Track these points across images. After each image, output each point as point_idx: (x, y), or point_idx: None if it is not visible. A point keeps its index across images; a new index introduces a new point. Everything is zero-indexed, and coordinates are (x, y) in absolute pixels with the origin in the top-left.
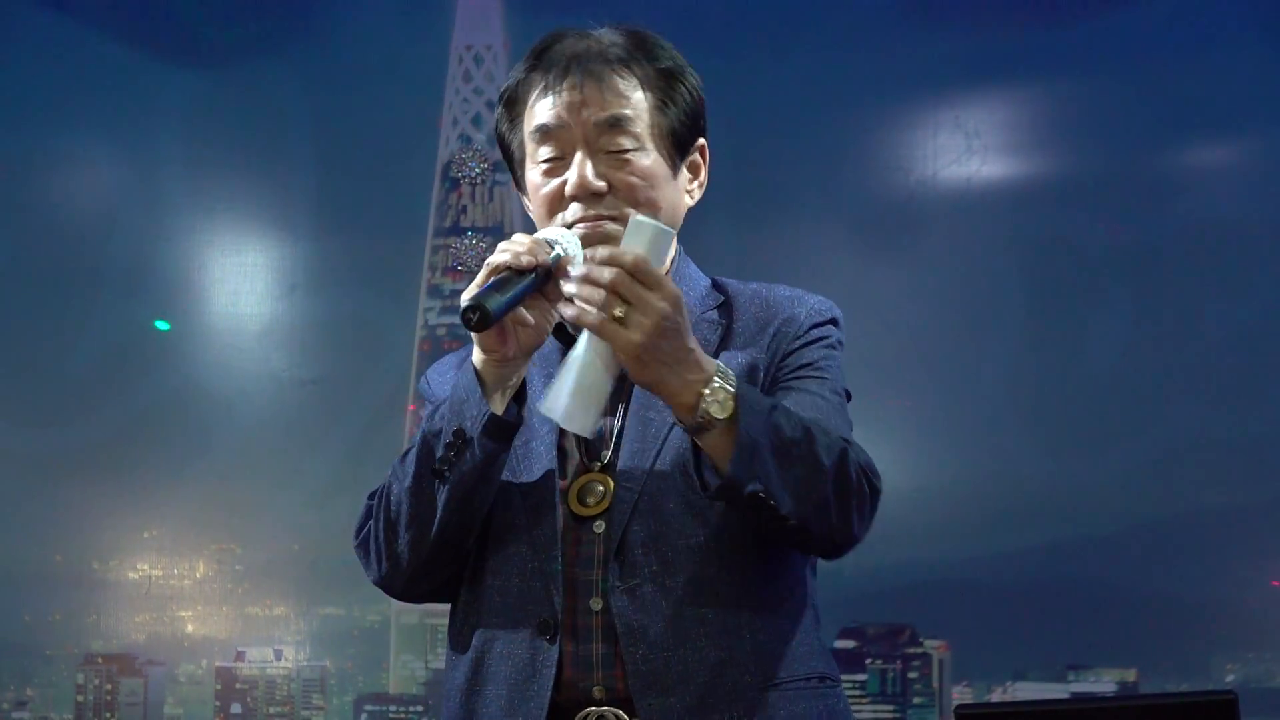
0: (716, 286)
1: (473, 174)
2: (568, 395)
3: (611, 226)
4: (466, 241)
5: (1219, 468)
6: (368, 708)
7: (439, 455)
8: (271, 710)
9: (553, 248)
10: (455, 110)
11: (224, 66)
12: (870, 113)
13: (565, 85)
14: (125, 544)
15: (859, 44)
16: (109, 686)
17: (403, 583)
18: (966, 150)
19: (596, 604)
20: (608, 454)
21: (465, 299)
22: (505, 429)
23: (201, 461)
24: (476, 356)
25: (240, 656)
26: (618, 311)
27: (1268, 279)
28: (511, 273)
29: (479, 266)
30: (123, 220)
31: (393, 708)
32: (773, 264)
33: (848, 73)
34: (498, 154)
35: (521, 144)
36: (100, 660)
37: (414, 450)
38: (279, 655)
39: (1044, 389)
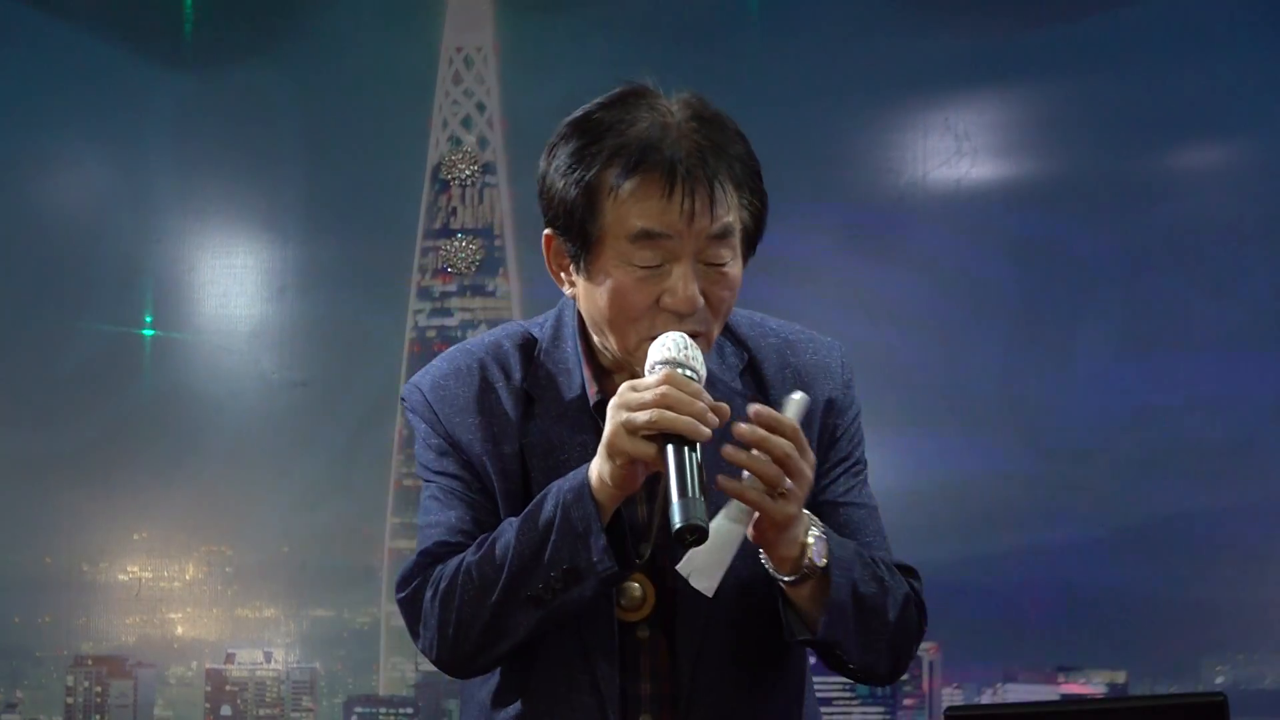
0: (731, 333)
1: (462, 176)
2: (703, 554)
3: (699, 346)
4: (456, 243)
5: (1208, 469)
6: (358, 710)
7: (541, 582)
8: (261, 712)
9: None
10: (445, 112)
11: (213, 68)
12: (860, 114)
13: (679, 193)
14: (115, 546)
15: (849, 45)
16: (99, 688)
17: (464, 672)
18: (956, 152)
19: None
20: (646, 549)
21: (677, 516)
22: (624, 579)
23: (191, 463)
24: (596, 482)
25: (230, 658)
26: (785, 485)
27: (1256, 281)
28: (682, 443)
29: (469, 268)
30: (112, 222)
31: (383, 710)
32: (763, 265)
33: (837, 74)
34: (488, 156)
35: (599, 234)
36: (90, 662)
37: (503, 561)
38: (269, 657)
39: (1033, 390)
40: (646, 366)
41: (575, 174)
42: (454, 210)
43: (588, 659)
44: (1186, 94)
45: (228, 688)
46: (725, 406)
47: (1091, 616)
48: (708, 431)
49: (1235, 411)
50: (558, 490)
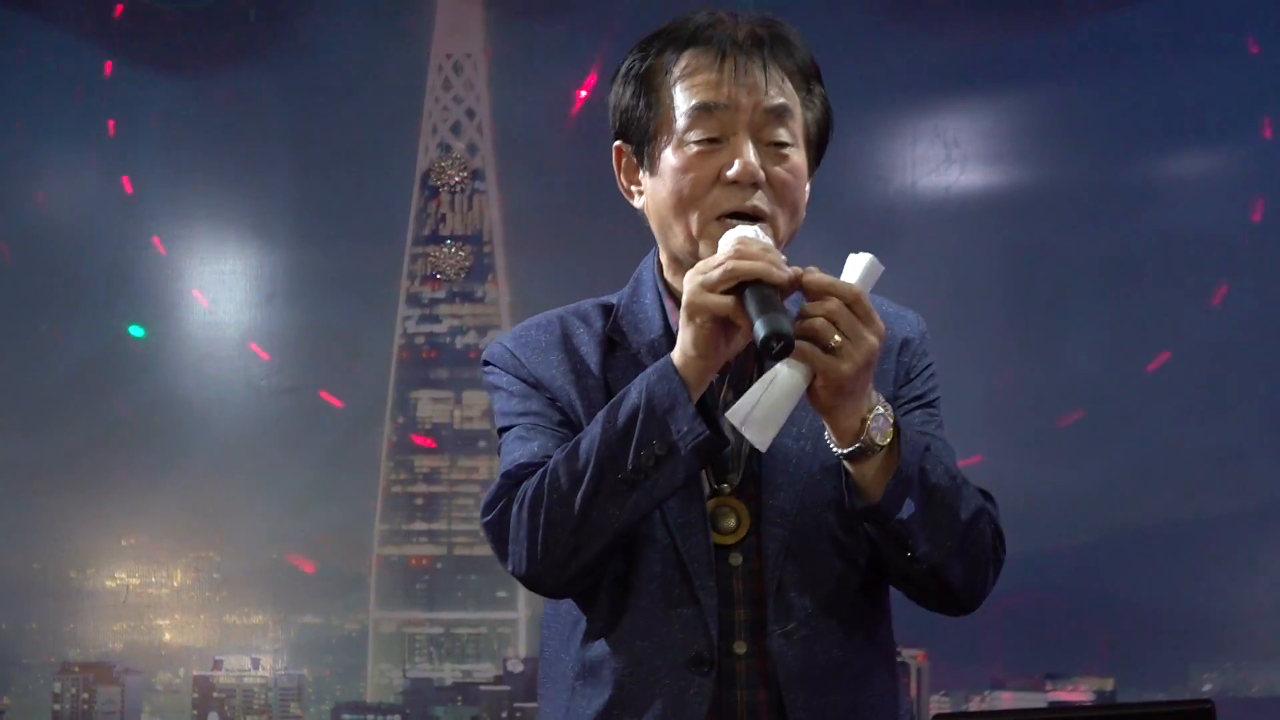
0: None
1: (452, 182)
2: (759, 407)
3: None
4: (445, 250)
5: (1196, 477)
6: (345, 716)
7: (631, 464)
8: (249, 719)
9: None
10: (435, 118)
11: (202, 74)
12: (849, 121)
13: (731, 64)
14: (103, 552)
15: (837, 53)
16: (86, 695)
17: (555, 583)
18: (945, 160)
19: (741, 647)
20: (735, 478)
21: (761, 328)
22: (715, 448)
23: (179, 469)
24: (680, 358)
25: (218, 665)
26: (835, 339)
27: (1245, 289)
28: (763, 285)
29: (457, 274)
30: (101, 227)
31: (370, 716)
32: None
33: (826, 81)
34: (477, 162)
35: (658, 121)
36: (77, 669)
37: (590, 452)
38: (256, 664)
39: (1022, 397)
40: (719, 250)
41: (632, 72)
42: (443, 217)
43: (686, 578)
44: (1173, 100)
45: (215, 694)
46: (814, 269)
47: (1080, 624)
48: (784, 273)
49: (1224, 420)
50: (641, 376)
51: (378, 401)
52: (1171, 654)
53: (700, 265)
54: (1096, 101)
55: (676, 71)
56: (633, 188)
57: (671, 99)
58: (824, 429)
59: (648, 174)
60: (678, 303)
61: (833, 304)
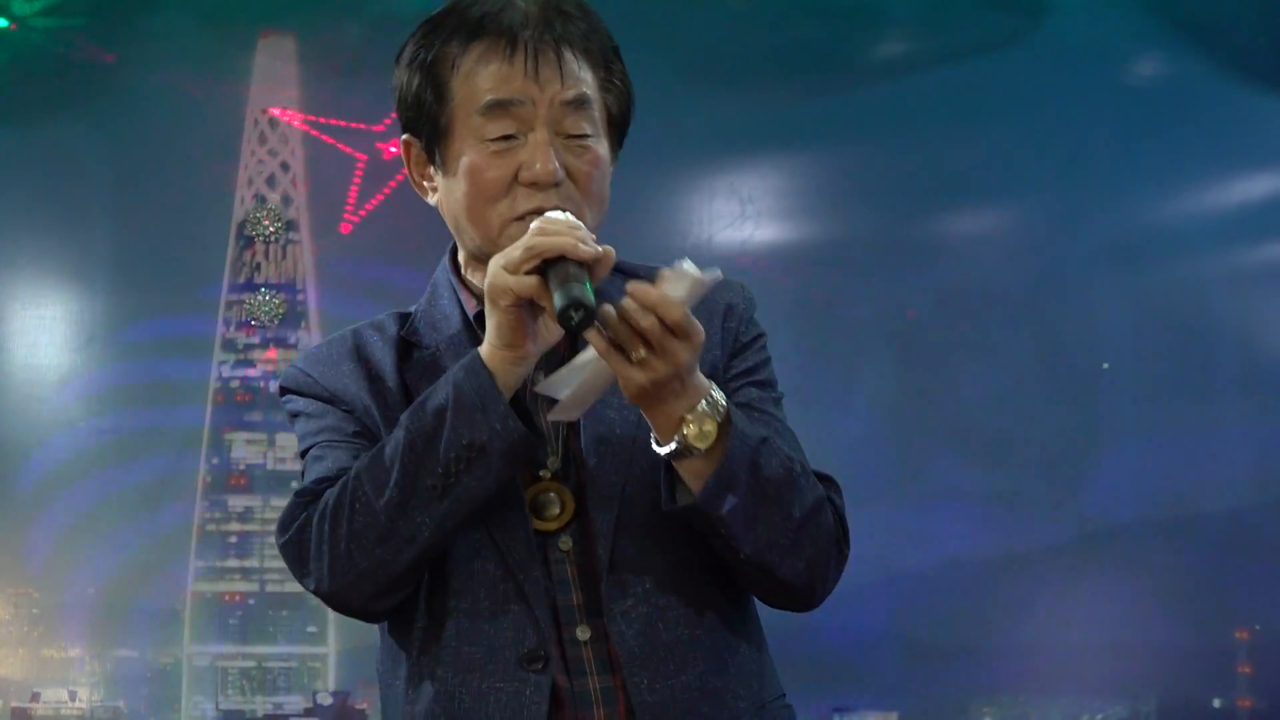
0: (620, 270)
1: (266, 232)
2: (571, 392)
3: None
4: (260, 297)
5: (975, 520)
6: None
7: (440, 468)
8: None
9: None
10: (250, 170)
11: (24, 124)
12: (647, 177)
13: (521, 55)
14: None
15: (638, 109)
16: None
17: (363, 599)
18: (740, 215)
19: (584, 632)
20: (554, 461)
21: (559, 299)
22: (531, 447)
23: None
24: (487, 350)
25: (35, 698)
26: (640, 353)
27: (1019, 343)
28: (568, 262)
29: (271, 321)
30: None
31: None
32: None
33: (628, 140)
34: (291, 213)
35: (448, 118)
36: None
37: (394, 458)
38: (74, 696)
39: (810, 444)
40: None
41: (418, 60)
42: (258, 265)
43: (510, 572)
44: (957, 163)
45: None
46: (611, 248)
47: (865, 659)
48: (591, 250)
49: (1000, 466)
50: (447, 375)
51: (193, 443)
52: (954, 688)
53: (503, 251)
54: (884, 162)
55: (465, 65)
56: (425, 183)
57: (462, 94)
58: None
59: (440, 172)
60: (477, 299)
61: (648, 320)
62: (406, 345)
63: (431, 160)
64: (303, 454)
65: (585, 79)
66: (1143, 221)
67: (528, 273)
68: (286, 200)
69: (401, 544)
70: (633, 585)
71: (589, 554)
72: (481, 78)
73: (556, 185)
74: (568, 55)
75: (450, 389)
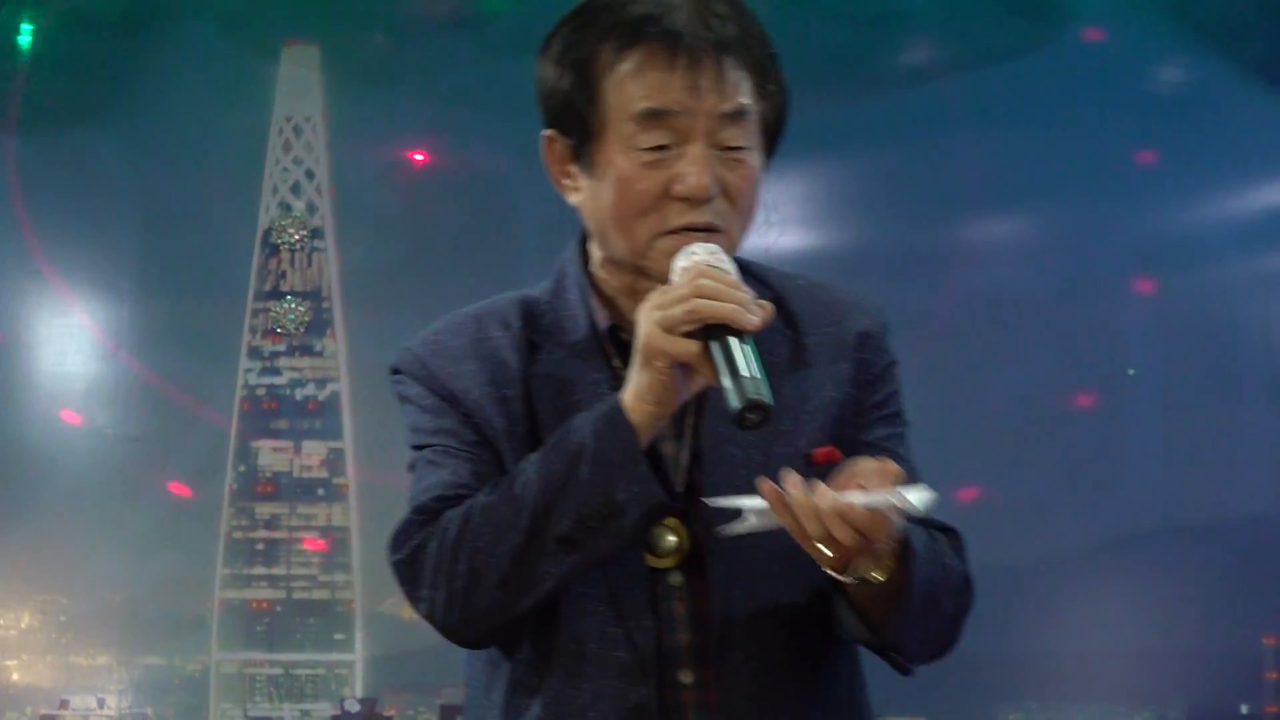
0: (749, 272)
1: (292, 240)
2: (750, 525)
3: (717, 242)
4: (285, 305)
5: (1001, 528)
6: None
7: (572, 523)
8: None
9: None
10: (275, 179)
11: (51, 133)
12: None
13: (682, 64)
14: None
15: None
16: None
17: (474, 636)
18: (765, 222)
19: (687, 677)
20: (676, 491)
21: (734, 397)
22: (665, 510)
23: (28, 515)
24: (632, 402)
25: (64, 704)
26: (828, 556)
27: (1044, 349)
28: (731, 331)
29: (298, 329)
30: None
31: None
32: None
33: None
34: (316, 221)
35: (599, 120)
36: None
37: (523, 502)
38: (101, 703)
39: None
40: (673, 277)
41: (569, 57)
42: (283, 273)
43: (619, 611)
44: (979, 169)
45: None
46: (769, 304)
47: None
48: (755, 319)
49: (1029, 470)
50: (586, 418)
51: (219, 450)
52: (981, 694)
53: (658, 298)
54: (909, 169)
55: (622, 69)
56: (565, 181)
57: (615, 98)
58: (776, 435)
59: (586, 175)
60: (604, 300)
61: (845, 533)
62: (531, 345)
63: (577, 160)
64: (414, 448)
65: (744, 89)
66: (1167, 228)
67: (686, 334)
68: (311, 208)
69: (523, 590)
70: (741, 637)
71: (700, 595)
72: (638, 85)
73: (709, 201)
74: (728, 64)
75: (591, 439)
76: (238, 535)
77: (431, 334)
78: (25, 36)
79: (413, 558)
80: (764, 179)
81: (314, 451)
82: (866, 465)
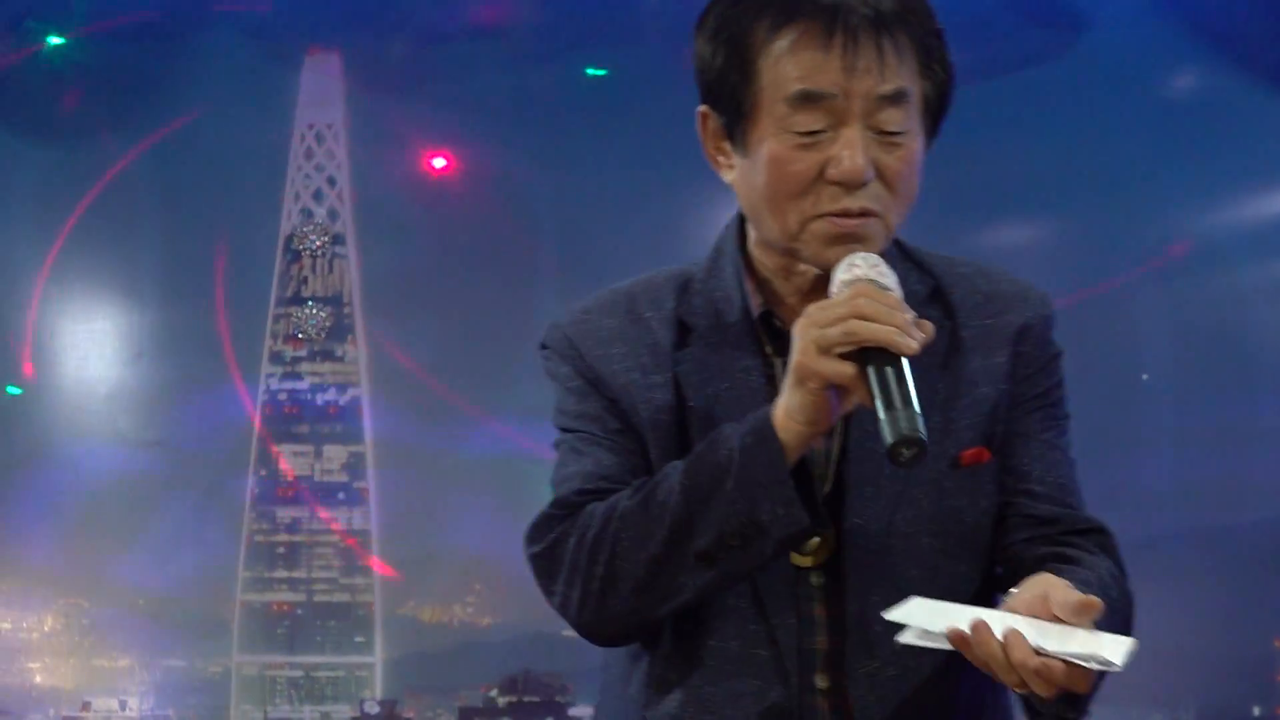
0: (911, 258)
1: (313, 247)
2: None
3: (872, 227)
4: (307, 310)
5: None
6: None
7: (713, 539)
8: None
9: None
10: (298, 185)
11: (75, 142)
12: (691, 192)
13: (839, 45)
14: None
15: (681, 128)
16: None
17: (607, 636)
18: None
19: (822, 681)
20: (825, 486)
21: (889, 432)
22: (809, 534)
23: (51, 519)
24: (782, 420)
25: (86, 706)
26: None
27: (1067, 355)
28: (889, 355)
29: (319, 334)
30: None
31: None
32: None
33: (671, 155)
34: (338, 228)
35: (753, 99)
36: None
37: (665, 511)
38: (124, 705)
39: None
40: (832, 289)
41: (724, 33)
42: (305, 279)
43: (762, 613)
44: (995, 174)
45: None
46: (929, 324)
47: None
48: (914, 343)
49: None
50: (734, 430)
51: (241, 454)
52: None
53: (816, 314)
54: (925, 174)
55: (777, 47)
56: (720, 158)
57: (770, 77)
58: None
59: (740, 153)
60: (758, 282)
61: (1047, 691)
62: (683, 327)
63: (730, 137)
64: (560, 429)
65: (904, 69)
66: (1181, 233)
67: (842, 355)
68: (333, 214)
69: (660, 598)
70: (881, 643)
71: (840, 596)
72: (793, 64)
73: (864, 185)
74: (887, 44)
75: (737, 453)
76: (259, 539)
77: (582, 311)
78: (54, 46)
79: (550, 551)
80: (921, 162)
81: (335, 455)
82: (1064, 596)
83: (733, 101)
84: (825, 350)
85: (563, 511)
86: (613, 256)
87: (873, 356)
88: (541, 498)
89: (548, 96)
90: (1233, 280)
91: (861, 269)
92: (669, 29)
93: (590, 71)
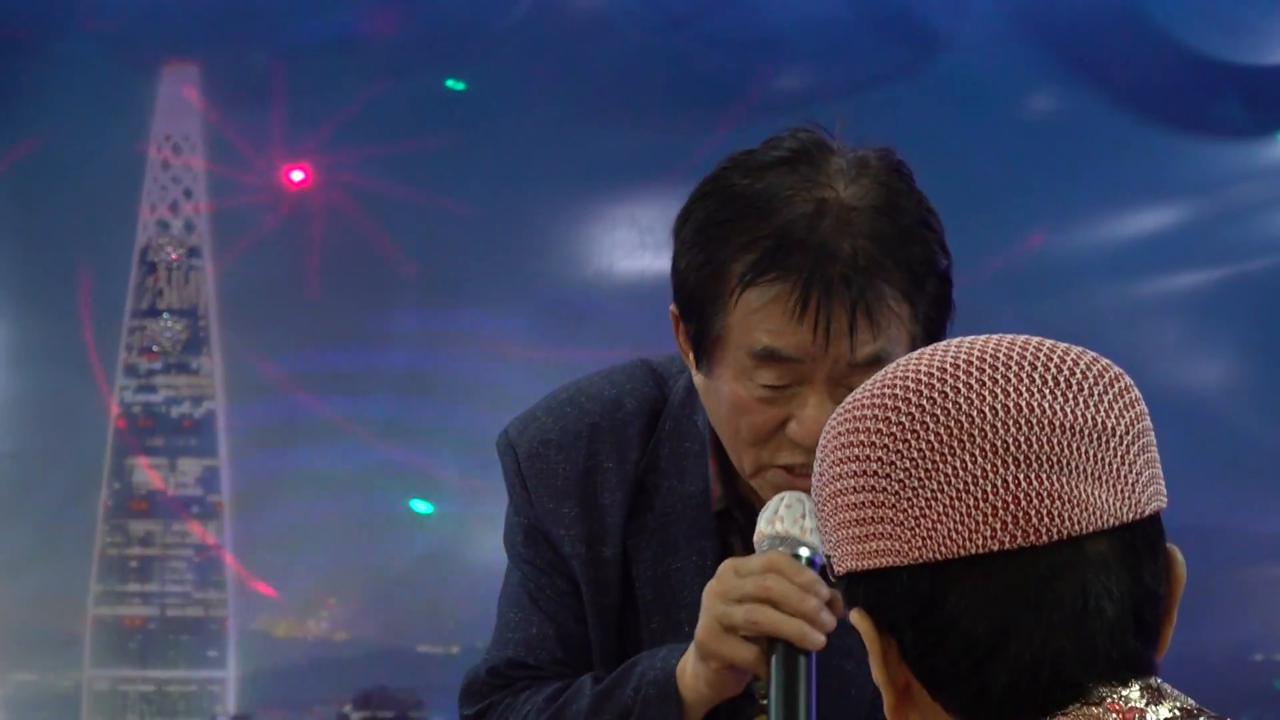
0: None
1: (169, 259)
2: None
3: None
4: (162, 323)
5: None
6: None
7: None
8: None
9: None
10: (154, 197)
11: None
12: (550, 208)
13: (810, 313)
14: None
15: (539, 144)
16: None
17: None
18: (640, 245)
19: None
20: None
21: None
22: None
23: None
24: (688, 681)
25: None
26: None
27: None
28: (791, 649)
29: (174, 347)
30: None
31: None
32: (456, 346)
33: (531, 171)
34: (193, 240)
35: (720, 330)
36: None
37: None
38: None
39: None
40: (755, 536)
41: (701, 255)
42: (160, 291)
43: None
44: None
45: None
46: (839, 600)
47: None
48: (820, 637)
49: None
50: (642, 673)
51: (95, 467)
52: None
53: (724, 584)
54: None
55: (751, 297)
56: (688, 356)
57: (741, 318)
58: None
59: (704, 372)
60: (721, 461)
61: None
62: (641, 488)
63: (695, 350)
64: (507, 551)
65: (887, 327)
66: (1036, 254)
67: (747, 637)
68: (189, 226)
69: None
70: None
71: None
72: (764, 318)
73: None
74: (866, 307)
75: (638, 703)
76: (112, 552)
77: (540, 442)
78: None
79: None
80: None
81: (189, 469)
82: None
83: (702, 322)
84: (729, 630)
85: (496, 681)
86: (473, 269)
87: (777, 644)
88: (399, 509)
89: (407, 109)
90: (1087, 300)
91: (784, 523)
92: (531, 42)
93: (450, 84)
